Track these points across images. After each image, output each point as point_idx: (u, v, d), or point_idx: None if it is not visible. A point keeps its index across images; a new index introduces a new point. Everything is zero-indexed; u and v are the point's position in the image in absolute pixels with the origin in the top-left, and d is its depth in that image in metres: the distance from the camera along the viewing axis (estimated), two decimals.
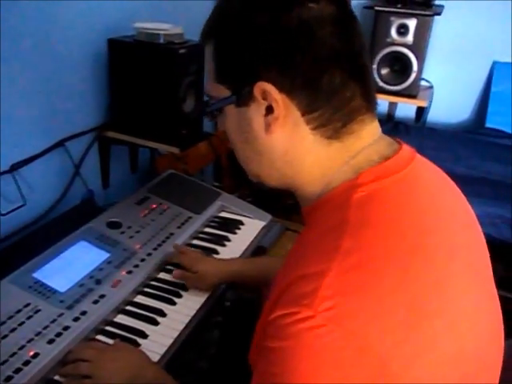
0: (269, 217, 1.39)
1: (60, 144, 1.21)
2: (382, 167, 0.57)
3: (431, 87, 2.24)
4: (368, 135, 0.59)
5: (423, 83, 2.17)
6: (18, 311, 0.87)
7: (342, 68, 0.56)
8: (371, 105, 0.60)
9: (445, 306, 0.51)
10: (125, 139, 1.32)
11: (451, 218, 0.59)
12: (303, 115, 0.56)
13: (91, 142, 1.32)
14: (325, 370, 0.46)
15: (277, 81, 0.55)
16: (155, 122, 1.27)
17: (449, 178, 0.66)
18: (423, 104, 2.08)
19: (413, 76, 1.97)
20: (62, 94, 1.21)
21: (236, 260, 1.14)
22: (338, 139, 0.58)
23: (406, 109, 2.25)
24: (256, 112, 0.58)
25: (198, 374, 1.24)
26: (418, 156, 0.62)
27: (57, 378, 0.80)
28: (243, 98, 0.58)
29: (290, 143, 0.59)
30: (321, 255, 0.52)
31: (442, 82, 2.26)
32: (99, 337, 0.90)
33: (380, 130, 0.62)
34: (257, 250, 1.39)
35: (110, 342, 0.88)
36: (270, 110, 0.57)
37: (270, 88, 0.55)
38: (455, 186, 0.66)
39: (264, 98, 0.56)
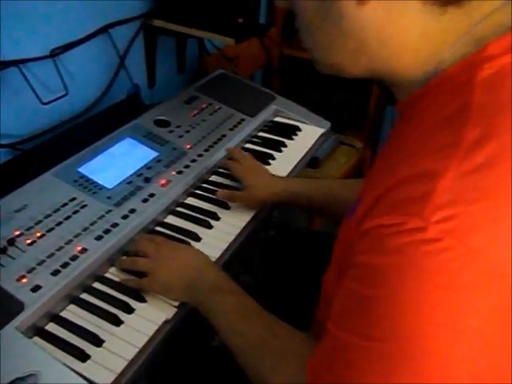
0: (328, 124, 1.26)
1: (104, 30, 1.09)
2: None
3: None
4: None
5: None
6: (64, 205, 0.81)
7: None
8: None
9: None
10: (173, 29, 1.17)
11: None
12: None
13: (137, 30, 1.19)
14: (438, 297, 0.36)
15: None
16: (207, 9, 1.11)
17: None
18: None
19: None
20: None
21: (296, 179, 1.02)
22: (456, 4, 0.44)
23: None
24: None
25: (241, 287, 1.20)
26: None
27: (107, 275, 0.75)
28: None
29: (389, 16, 0.45)
30: (434, 152, 0.41)
31: None
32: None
33: None
34: (310, 161, 1.28)
35: None
36: None
37: None
38: None
39: None
